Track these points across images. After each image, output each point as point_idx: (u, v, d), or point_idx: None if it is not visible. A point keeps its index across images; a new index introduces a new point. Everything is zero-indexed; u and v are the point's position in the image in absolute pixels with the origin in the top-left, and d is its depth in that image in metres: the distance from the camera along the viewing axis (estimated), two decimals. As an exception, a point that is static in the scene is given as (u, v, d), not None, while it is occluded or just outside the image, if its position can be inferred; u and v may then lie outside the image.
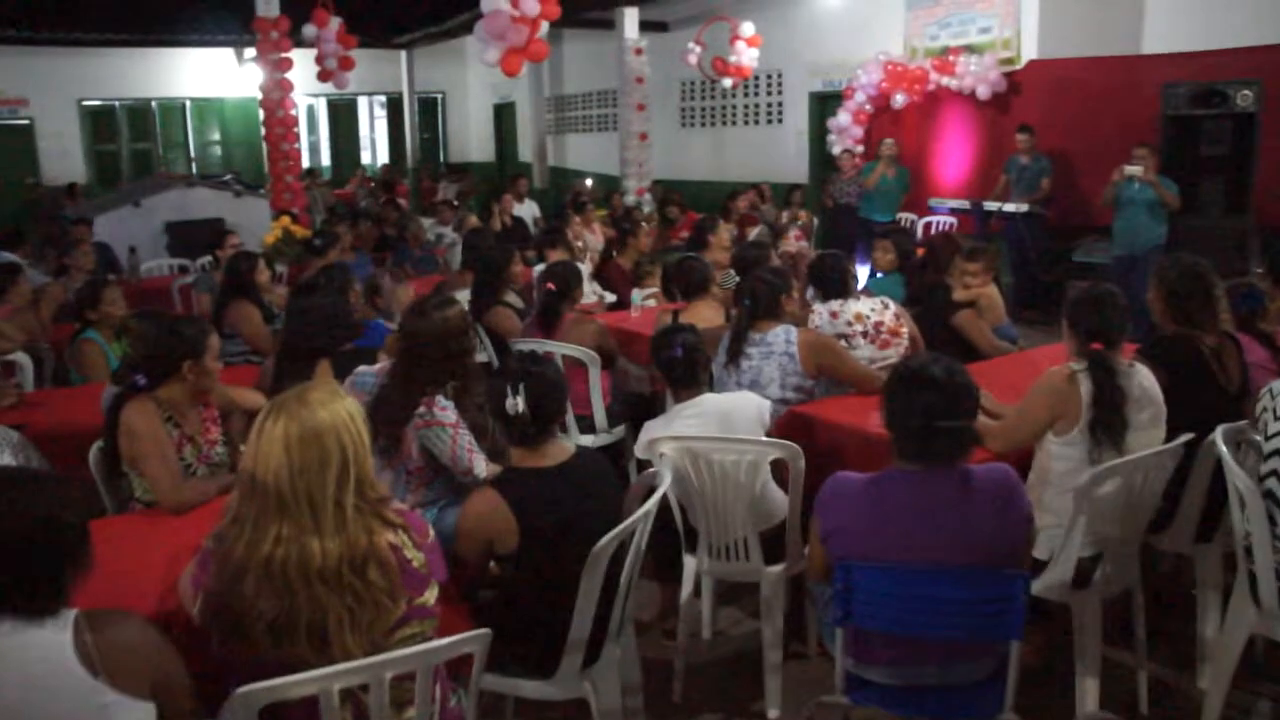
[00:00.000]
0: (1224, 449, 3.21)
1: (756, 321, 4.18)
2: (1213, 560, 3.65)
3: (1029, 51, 10.30)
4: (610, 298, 6.80)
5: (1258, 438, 3.27)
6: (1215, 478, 3.44)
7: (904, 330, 4.45)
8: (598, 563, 2.67)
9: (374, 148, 22.07)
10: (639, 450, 3.51)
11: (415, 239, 8.78)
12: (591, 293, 6.71)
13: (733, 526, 3.46)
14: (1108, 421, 3.15)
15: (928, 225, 10.72)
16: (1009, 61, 10.46)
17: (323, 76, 10.42)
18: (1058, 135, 9.74)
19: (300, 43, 10.65)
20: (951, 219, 10.51)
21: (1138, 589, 3.47)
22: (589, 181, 14.25)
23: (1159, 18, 9.91)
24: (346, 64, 10.08)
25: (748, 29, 12.04)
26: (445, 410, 3.37)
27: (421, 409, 3.37)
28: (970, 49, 10.78)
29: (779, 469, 3.48)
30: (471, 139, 22.00)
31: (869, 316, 4.44)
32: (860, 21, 12.12)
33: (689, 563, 3.62)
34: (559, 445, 2.89)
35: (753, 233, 10.54)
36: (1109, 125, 9.18)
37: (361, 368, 3.70)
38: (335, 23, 9.97)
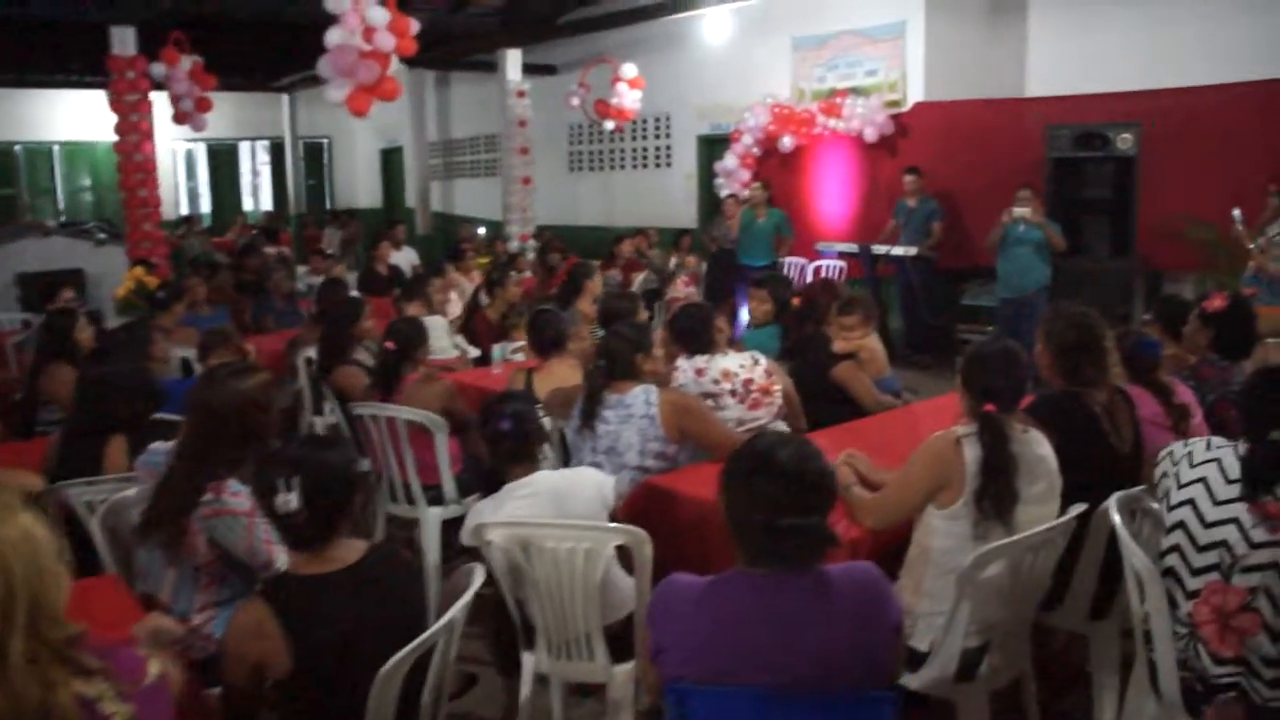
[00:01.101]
0: (1119, 521, 2.90)
1: (613, 381, 3.83)
2: (1109, 638, 3.35)
3: (915, 94, 10.33)
4: (474, 353, 6.39)
5: (1155, 505, 2.97)
6: (1110, 548, 3.13)
7: (776, 389, 4.18)
8: (386, 687, 2.19)
9: (257, 194, 21.32)
10: (465, 537, 3.06)
11: (278, 289, 8.19)
12: (453, 347, 6.29)
13: (573, 621, 3.01)
14: (996, 493, 2.82)
15: (817, 270, 10.62)
16: (895, 104, 10.46)
17: (178, 119, 9.80)
18: (945, 178, 9.71)
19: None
20: (840, 263, 10.42)
21: (1028, 676, 3.13)
22: (481, 230, 13.80)
23: (1042, 61, 10.02)
24: (204, 105, 9.49)
25: (629, 70, 11.86)
26: (238, 496, 2.90)
27: (209, 495, 2.90)
28: (857, 91, 10.78)
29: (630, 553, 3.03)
30: (359, 185, 21.40)
31: (737, 374, 4.15)
32: (747, 64, 12.00)
33: (527, 661, 3.14)
34: (345, 545, 2.40)
35: (638, 280, 10.27)
36: (995, 167, 9.14)
37: (155, 444, 3.20)
38: (188, 62, 9.36)
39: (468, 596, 2.48)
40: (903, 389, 5.13)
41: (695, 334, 4.24)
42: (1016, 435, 2.93)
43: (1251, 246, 6.22)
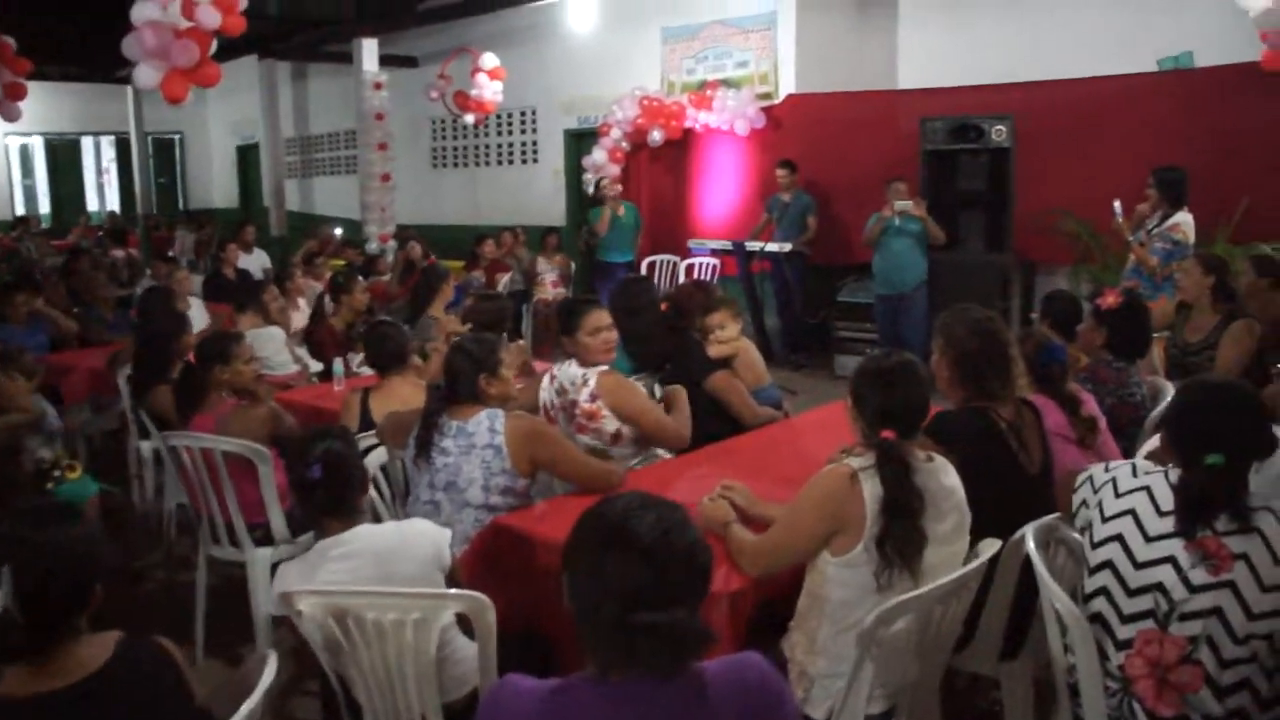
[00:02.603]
0: (1038, 559, 2.56)
1: (454, 405, 3.39)
2: (1021, 680, 3.00)
3: (787, 85, 10.21)
4: (316, 367, 5.89)
5: (1074, 535, 2.64)
6: (1021, 581, 2.78)
7: (602, 415, 3.87)
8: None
9: (103, 193, 20.07)
10: (271, 606, 2.52)
11: (102, 297, 7.41)
12: (293, 361, 5.85)
13: (404, 702, 2.48)
14: (901, 536, 2.44)
15: (689, 268, 10.40)
16: (767, 96, 10.30)
17: (-11, 108, 8.88)
18: (819, 171, 9.55)
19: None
20: (713, 260, 10.21)
21: (938, 733, 2.72)
22: (338, 230, 13.17)
23: (914, 53, 9.90)
24: (16, 92, 8.59)
25: (489, 60, 11.58)
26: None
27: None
28: (728, 83, 10.58)
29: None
30: (214, 183, 20.43)
31: (568, 390, 3.94)
32: (615, 56, 11.75)
33: (355, 747, 2.62)
34: (85, 646, 1.83)
35: (503, 281, 9.93)
36: (869, 160, 8.98)
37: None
38: (-5, 42, 8.47)
39: (255, 699, 1.93)
40: (783, 399, 4.81)
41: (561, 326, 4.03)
42: (919, 465, 2.54)
43: (1131, 239, 6.04)
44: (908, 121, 8.70)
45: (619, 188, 10.20)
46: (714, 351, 4.44)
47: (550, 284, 10.33)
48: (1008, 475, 2.92)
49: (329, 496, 2.60)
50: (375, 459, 3.59)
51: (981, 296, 7.15)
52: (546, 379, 4.07)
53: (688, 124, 10.66)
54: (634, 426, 3.87)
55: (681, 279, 10.19)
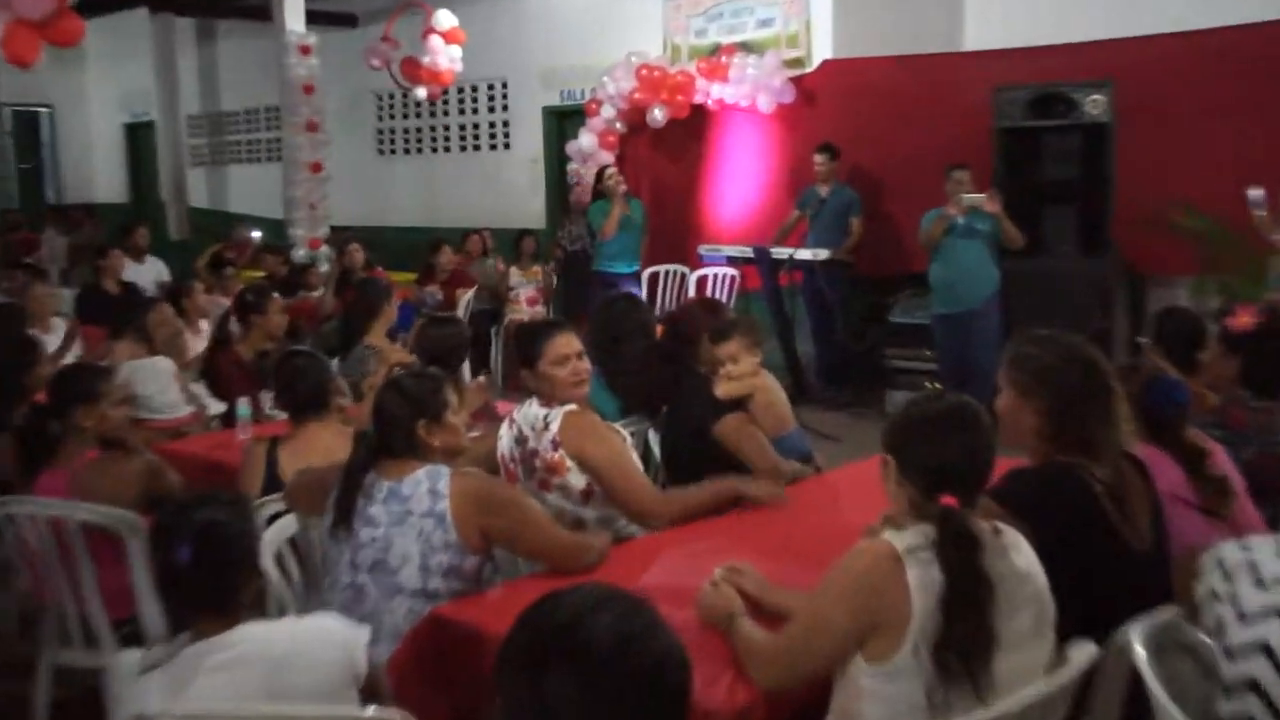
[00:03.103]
0: (1149, 670, 2.47)
1: (385, 460, 3.36)
2: None
3: (823, 49, 10.27)
4: (217, 408, 5.92)
5: (1203, 638, 2.56)
6: (1128, 700, 2.68)
7: (568, 466, 3.90)
8: None
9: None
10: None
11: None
12: (186, 401, 5.91)
13: None
14: (963, 636, 2.36)
15: (701, 281, 10.50)
16: (797, 63, 10.38)
17: None
18: (864, 157, 9.65)
19: None
20: (730, 271, 10.28)
21: None
22: (257, 233, 13.23)
23: (986, 6, 9.90)
24: None
25: (444, 19, 11.63)
26: None
27: None
28: (748, 48, 10.66)
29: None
30: (95, 170, 20.41)
31: (527, 437, 3.99)
32: (605, 15, 11.91)
33: None
34: None
35: (465, 298, 10.21)
36: (928, 143, 8.99)
37: None
38: None
39: None
40: (812, 451, 4.75)
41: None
42: (988, 540, 2.47)
43: (1276, 238, 5.97)
44: (977, 92, 8.70)
45: (623, 180, 10.27)
46: (723, 391, 4.43)
47: (526, 301, 10.43)
48: (1105, 554, 2.84)
49: (202, 585, 2.50)
50: (280, 530, 3.55)
51: (1073, 315, 7.16)
52: (505, 424, 4.11)
53: (697, 99, 10.69)
54: (597, 482, 3.87)
55: (691, 295, 10.22)
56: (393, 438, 3.34)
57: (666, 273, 10.76)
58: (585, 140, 11.32)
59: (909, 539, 2.44)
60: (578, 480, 3.87)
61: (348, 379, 6.00)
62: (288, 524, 3.58)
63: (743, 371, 4.47)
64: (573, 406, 3.94)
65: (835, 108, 9.90)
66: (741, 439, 4.30)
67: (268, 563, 3.29)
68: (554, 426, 3.89)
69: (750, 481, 4.00)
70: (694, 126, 10.89)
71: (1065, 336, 3.04)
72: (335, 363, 6.16)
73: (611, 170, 10.28)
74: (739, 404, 4.42)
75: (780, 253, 9.26)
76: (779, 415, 4.56)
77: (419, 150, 14.69)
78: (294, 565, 3.58)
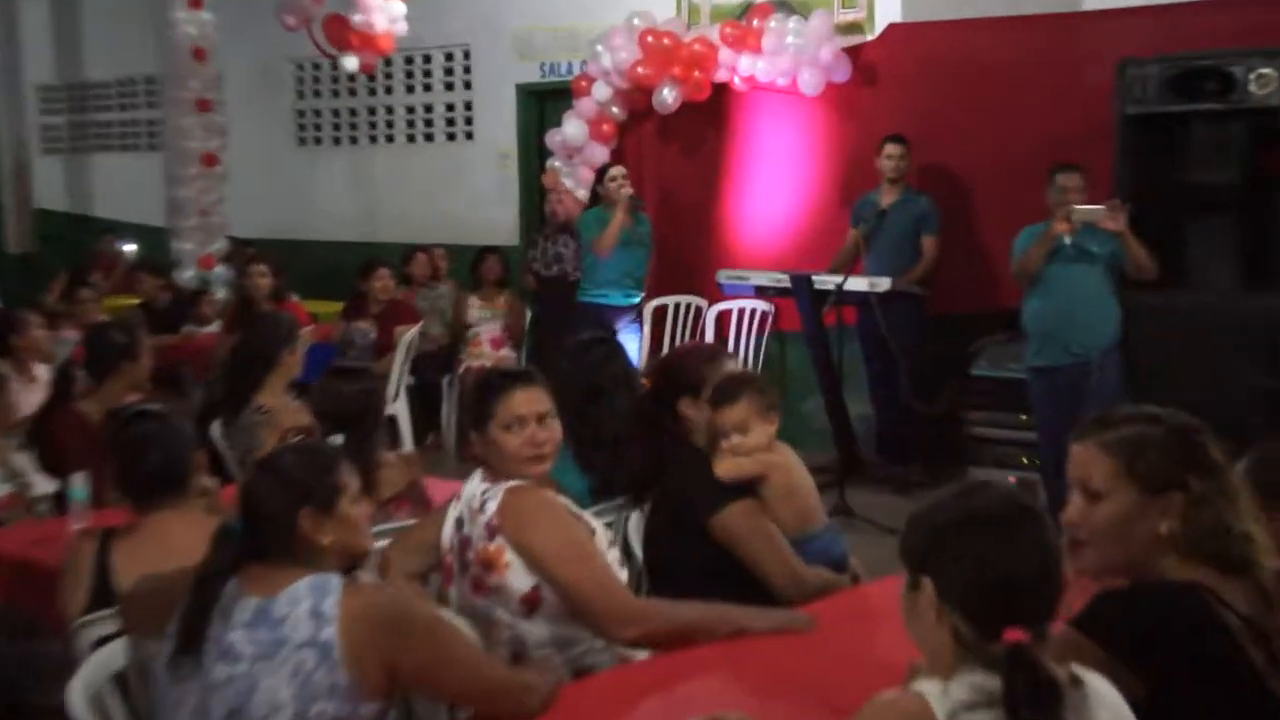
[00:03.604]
0: None
1: (253, 565, 3.31)
2: None
3: (888, 12, 10.30)
4: (45, 487, 5.83)
5: None
6: None
7: (506, 561, 3.89)
8: None
9: None
10: None
11: None
12: (4, 478, 5.87)
13: None
14: None
15: (723, 318, 10.57)
16: (854, 28, 10.43)
17: None
18: (939, 156, 9.76)
19: None
20: (762, 305, 10.38)
21: None
22: (129, 245, 13.23)
23: None
24: None
25: None
26: None
27: None
28: (788, 7, 10.65)
29: None
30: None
31: (462, 522, 4.05)
32: None
33: None
34: None
35: (407, 336, 10.22)
36: (1027, 136, 9.09)
37: None
38: None
39: None
40: (849, 554, 4.70)
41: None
42: (1067, 691, 2.40)
43: None
44: (1095, 66, 8.75)
45: (628, 183, 10.29)
46: (726, 470, 4.41)
47: (489, 342, 10.54)
48: (1244, 708, 2.80)
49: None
50: (104, 663, 3.49)
51: (1227, 371, 7.18)
52: (452, 504, 4.14)
53: (720, 76, 10.69)
54: (547, 584, 3.86)
55: (709, 335, 10.28)
56: (264, 536, 3.28)
57: (677, 307, 10.76)
58: (571, 129, 11.30)
59: (956, 694, 2.39)
60: (520, 581, 3.85)
61: (232, 451, 5.99)
62: (115, 653, 3.51)
63: (754, 445, 4.43)
64: (520, 481, 3.95)
65: (903, 88, 9.95)
66: (749, 537, 4.31)
67: (80, 712, 3.22)
68: (491, 507, 3.91)
69: (759, 612, 3.96)
70: (715, 113, 10.93)
71: (1176, 414, 3.03)
72: (218, 428, 6.13)
73: (618, 170, 10.32)
74: (748, 488, 4.40)
75: (825, 282, 9.17)
76: (803, 505, 4.52)
77: (351, 140, 14.74)
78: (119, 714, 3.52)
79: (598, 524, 4.15)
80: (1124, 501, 2.97)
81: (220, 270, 12.46)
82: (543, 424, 3.98)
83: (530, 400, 3.99)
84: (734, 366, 4.77)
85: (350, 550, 3.41)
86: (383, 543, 4.25)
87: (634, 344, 9.97)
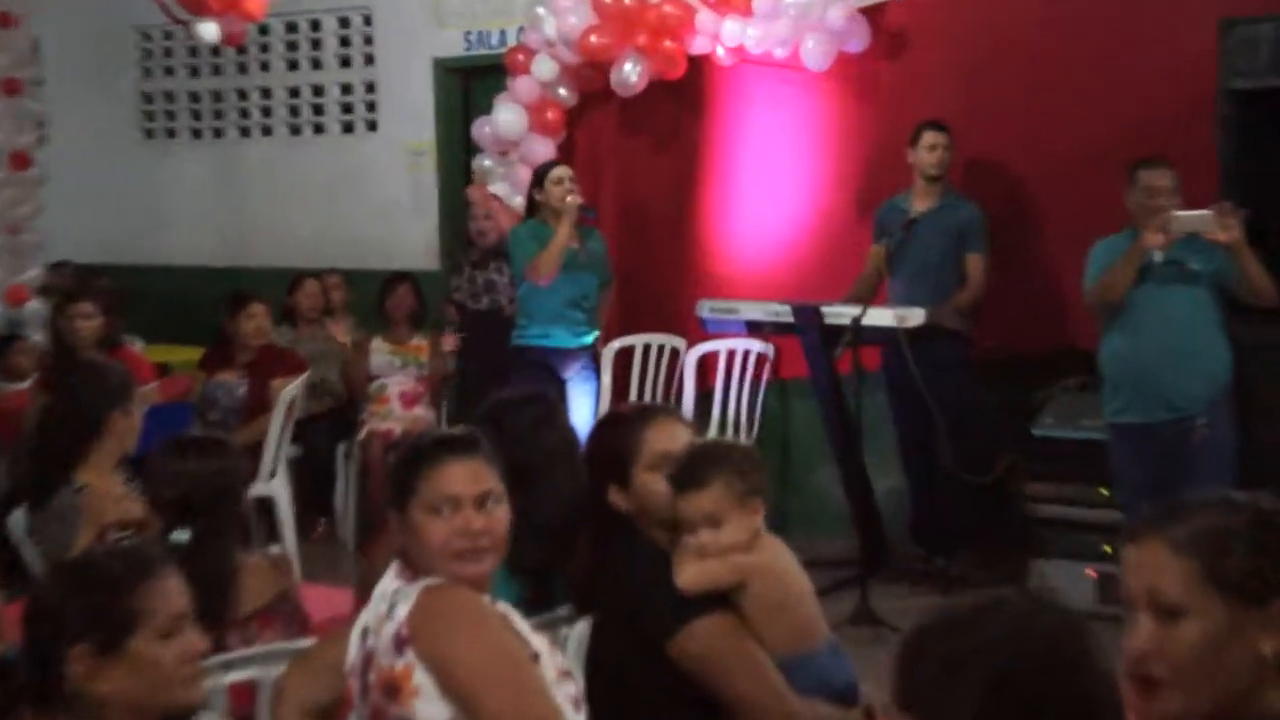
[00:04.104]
0: None
1: (27, 711, 3.33)
2: None
3: None
4: None
5: None
6: None
7: (414, 686, 3.86)
8: None
9: None
10: None
11: None
12: None
13: None
14: None
15: (706, 362, 10.61)
16: None
17: None
18: (986, 149, 9.90)
19: None
20: (757, 346, 10.51)
21: None
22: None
23: None
24: None
25: None
26: None
27: None
28: None
29: None
30: None
31: (368, 633, 4.03)
32: None
33: None
34: None
35: (287, 390, 10.10)
36: (1099, 123, 9.20)
37: None
38: None
39: None
40: (857, 680, 4.68)
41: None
42: None
43: None
44: (1189, 30, 8.81)
45: (574, 186, 10.23)
46: (690, 579, 4.41)
47: (399, 398, 10.59)
48: None
49: None
50: None
51: None
52: (363, 612, 4.15)
53: (698, 47, 10.74)
54: (464, 714, 3.82)
55: (689, 387, 10.29)
56: (30, 677, 3.28)
57: (646, 350, 10.77)
58: (506, 117, 11.30)
59: None
60: (431, 712, 3.82)
61: (39, 546, 5.93)
62: None
63: (729, 543, 4.43)
64: (439, 580, 3.91)
65: (940, 60, 10.09)
66: (721, 661, 4.34)
67: None
68: (401, 612, 3.87)
69: None
70: (692, 94, 11.08)
71: (1263, 496, 3.01)
72: (20, 517, 6.08)
73: (562, 171, 10.26)
74: (721, 600, 4.40)
75: (839, 314, 9.13)
76: (795, 619, 4.53)
77: (215, 133, 14.82)
78: None
79: (544, 647, 4.07)
80: (1212, 618, 2.93)
81: (37, 306, 12.31)
82: (483, 509, 3.90)
83: (469, 476, 3.92)
84: (681, 432, 4.75)
85: (153, 703, 3.38)
86: (252, 673, 4.32)
87: (587, 400, 10.02)
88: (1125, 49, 9.21)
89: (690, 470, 4.50)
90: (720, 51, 10.61)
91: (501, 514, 3.95)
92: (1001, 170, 9.72)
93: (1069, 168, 9.27)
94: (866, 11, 10.11)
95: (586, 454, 4.91)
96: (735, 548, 4.44)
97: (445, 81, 12.98)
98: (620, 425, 4.91)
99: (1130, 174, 8.01)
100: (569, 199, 9.94)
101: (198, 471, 5.15)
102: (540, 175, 10.23)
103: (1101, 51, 9.32)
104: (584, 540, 4.86)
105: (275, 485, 9.58)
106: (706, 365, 10.40)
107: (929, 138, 9.42)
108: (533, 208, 10.25)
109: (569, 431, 5.33)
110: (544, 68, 11.13)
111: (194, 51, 14.44)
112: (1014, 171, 9.70)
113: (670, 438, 4.73)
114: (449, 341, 10.91)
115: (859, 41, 10.10)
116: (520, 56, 11.28)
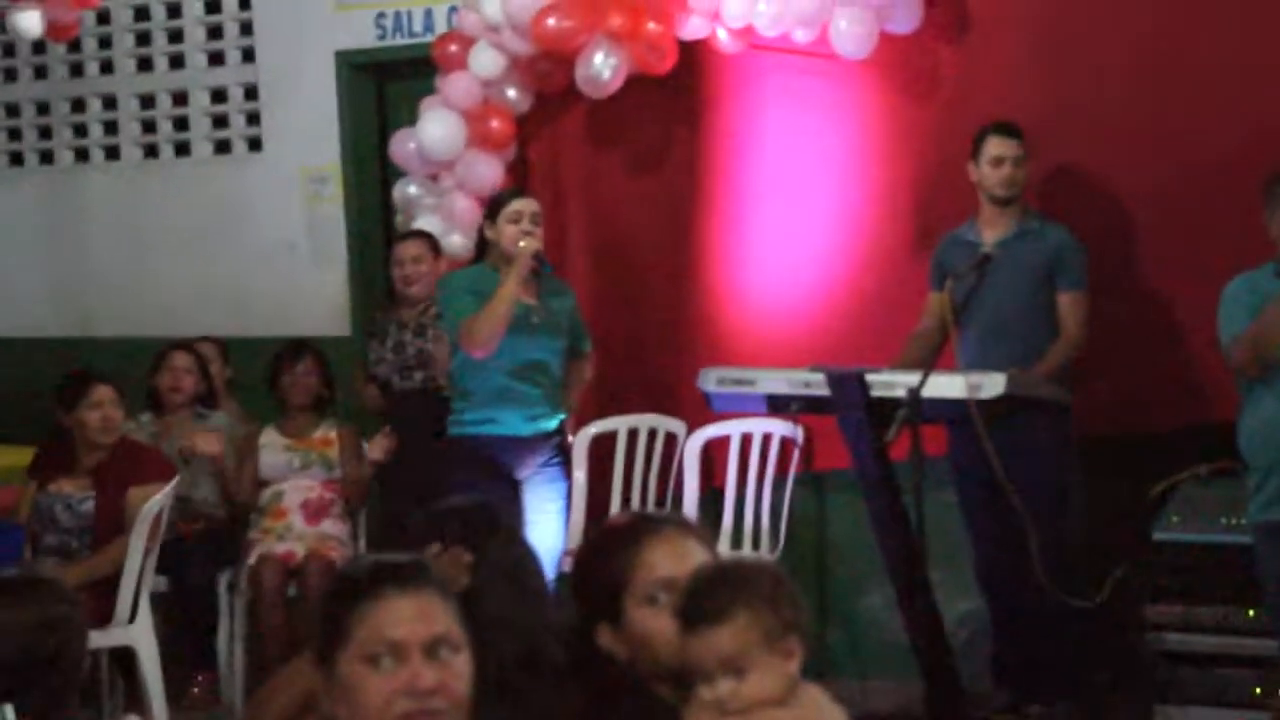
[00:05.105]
0: None
1: None
2: None
3: None
4: None
5: None
6: None
7: None
8: None
9: None
10: None
11: None
12: None
13: None
14: None
15: (713, 451, 10.63)
16: None
17: None
18: (1078, 159, 9.85)
19: None
20: (777, 427, 10.59)
21: None
22: None
23: None
24: None
25: None
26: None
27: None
28: None
29: None
30: None
31: None
32: None
33: None
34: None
35: (143, 510, 9.90)
36: (1226, 124, 9.30)
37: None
38: None
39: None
40: None
41: None
42: None
43: None
44: None
45: (537, 221, 10.12)
46: None
47: (301, 510, 10.65)
48: None
49: None
50: None
51: None
52: None
53: (692, 30, 10.74)
54: None
55: (690, 482, 10.34)
56: None
57: (633, 436, 10.79)
58: (435, 129, 11.31)
59: None
60: None
61: None
62: None
63: (755, 694, 4.41)
64: None
65: (1011, 49, 10.19)
66: None
67: None
68: None
69: None
70: (686, 93, 11.21)
71: None
72: None
73: (525, 205, 10.11)
74: None
75: (889, 384, 9.05)
76: None
77: (42, 157, 15.00)
78: None
79: None
80: None
81: None
82: (435, 658, 3.86)
83: (416, 614, 3.89)
84: (690, 549, 4.74)
85: None
86: None
87: (553, 506, 9.98)
88: (1254, 31, 9.29)
89: (704, 601, 4.45)
90: (722, 35, 10.57)
91: (460, 665, 3.90)
92: (1095, 190, 9.77)
93: (1186, 185, 9.33)
94: (916, -13, 10.17)
95: (572, 585, 4.92)
96: (765, 702, 4.42)
97: (352, 82, 13.02)
98: (607, 543, 4.87)
99: (1267, 190, 8.00)
100: (523, 243, 9.76)
101: (16, 626, 5.06)
102: (495, 206, 10.13)
103: (1230, 35, 9.37)
104: (572, 698, 4.85)
105: (136, 632, 9.48)
106: (713, 455, 10.45)
107: (995, 146, 9.40)
108: (483, 248, 10.17)
109: (523, 552, 5.37)
110: (485, 61, 11.13)
111: (10, 50, 14.49)
112: (1112, 190, 9.74)
113: (675, 557, 4.70)
114: (379, 446, 10.84)
115: (907, 20, 10.11)
116: (453, 47, 11.32)
